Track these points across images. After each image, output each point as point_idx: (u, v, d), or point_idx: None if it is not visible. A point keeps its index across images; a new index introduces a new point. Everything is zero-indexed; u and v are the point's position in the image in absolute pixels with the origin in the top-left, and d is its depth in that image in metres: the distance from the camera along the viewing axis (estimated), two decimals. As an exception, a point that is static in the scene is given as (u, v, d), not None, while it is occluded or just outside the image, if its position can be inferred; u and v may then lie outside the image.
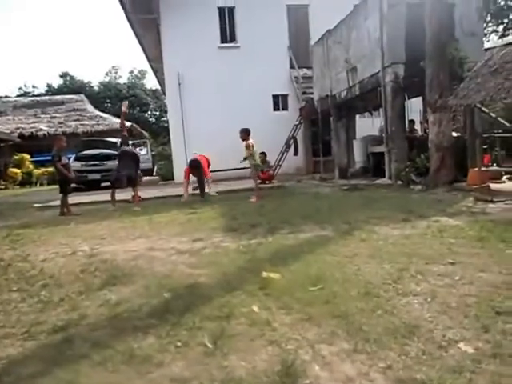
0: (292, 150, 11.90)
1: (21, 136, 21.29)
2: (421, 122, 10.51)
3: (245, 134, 7.18)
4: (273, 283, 2.41)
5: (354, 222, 4.09)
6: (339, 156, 10.53)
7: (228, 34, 13.78)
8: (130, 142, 10.77)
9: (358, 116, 11.74)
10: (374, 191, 6.92)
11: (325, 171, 11.06)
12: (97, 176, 12.45)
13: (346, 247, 3.19)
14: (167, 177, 14.33)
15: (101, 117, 23.74)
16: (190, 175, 7.68)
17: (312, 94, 12.33)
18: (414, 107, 10.48)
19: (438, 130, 6.80)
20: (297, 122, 12.15)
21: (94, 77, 65.34)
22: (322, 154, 11.59)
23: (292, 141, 11.79)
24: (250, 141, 7.19)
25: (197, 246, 3.64)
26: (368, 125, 11.64)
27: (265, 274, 2.52)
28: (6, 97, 29.83)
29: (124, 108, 7.72)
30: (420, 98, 9.92)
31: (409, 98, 9.01)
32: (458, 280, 2.34)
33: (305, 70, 13.60)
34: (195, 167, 7.50)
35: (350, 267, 2.68)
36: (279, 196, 7.27)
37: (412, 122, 9.77)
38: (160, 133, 31.40)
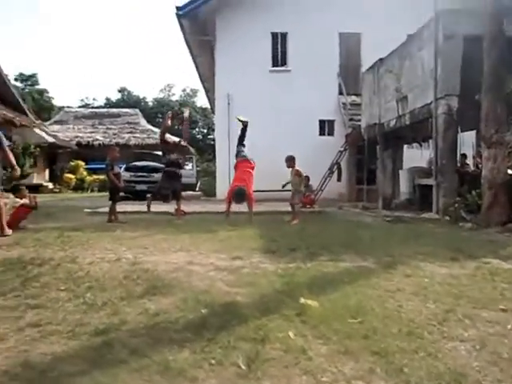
0: (335, 175, 11.80)
1: (78, 144, 22.72)
2: (473, 157, 10.10)
3: (292, 161, 7.32)
4: (310, 310, 2.37)
5: (397, 256, 3.95)
6: (384, 186, 10.28)
7: (279, 58, 14.13)
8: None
9: (405, 146, 11.48)
10: (420, 225, 6.66)
11: (368, 200, 10.83)
12: (144, 187, 12.97)
13: (388, 281, 3.08)
14: (210, 193, 14.64)
15: (152, 131, 24.86)
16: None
17: (359, 121, 12.25)
18: (467, 141, 10.10)
19: (493, 165, 6.49)
20: (342, 148, 12.07)
21: (149, 93, 68.80)
22: (366, 183, 11.38)
23: (336, 167, 11.70)
24: (298, 168, 7.35)
25: (235, 264, 3.66)
26: (416, 156, 11.33)
27: (302, 301, 2.49)
28: (69, 107, 32.08)
29: (186, 114, 8.10)
30: (473, 132, 9.57)
31: (461, 131, 8.71)
32: (510, 329, 2.18)
33: (353, 97, 13.58)
34: (240, 198, 6.72)
35: (391, 303, 2.58)
36: (320, 221, 7.19)
37: (464, 156, 9.41)
38: (206, 150, 32.31)
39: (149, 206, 7.38)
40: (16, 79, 36.55)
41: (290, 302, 2.54)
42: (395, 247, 4.41)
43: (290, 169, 7.36)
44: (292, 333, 2.09)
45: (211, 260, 3.81)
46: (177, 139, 8.97)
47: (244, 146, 7.22)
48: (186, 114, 7.99)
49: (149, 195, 7.67)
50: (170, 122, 7.85)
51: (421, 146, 11.25)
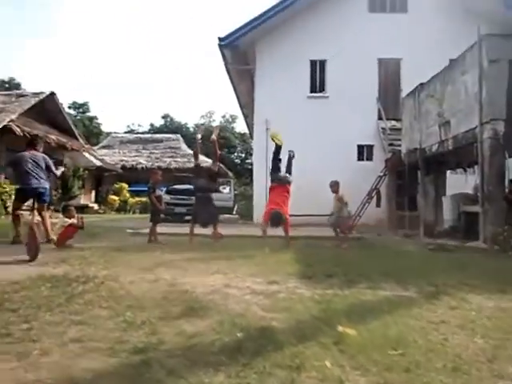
0: (374, 201, 11.53)
1: (123, 167, 23.81)
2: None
3: (337, 186, 7.39)
4: (348, 339, 2.30)
5: (441, 286, 3.76)
6: (426, 212, 9.91)
7: (317, 85, 14.28)
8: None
9: (449, 172, 11.08)
10: (466, 254, 6.32)
11: (409, 227, 10.44)
12: (183, 210, 13.29)
13: (431, 312, 2.93)
14: (247, 216, 14.73)
15: (192, 155, 25.64)
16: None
17: (399, 145, 12.02)
18: (515, 167, 9.59)
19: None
20: (381, 174, 11.83)
21: (190, 119, 71.44)
22: (408, 209, 11.02)
23: (375, 192, 11.45)
24: (342, 193, 7.38)
25: (271, 288, 3.63)
26: (460, 182, 10.88)
27: (340, 329, 2.42)
28: (116, 133, 33.92)
29: (198, 136, 7.44)
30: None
31: (509, 157, 8.31)
32: None
33: (393, 122, 13.41)
34: (276, 221, 6.53)
35: (435, 335, 2.45)
36: (358, 248, 7.01)
37: (513, 182, 8.91)
38: (243, 174, 32.78)
39: (192, 233, 7.27)
40: (70, 107, 39.43)
41: (327, 329, 2.48)
42: (439, 277, 4.21)
43: (334, 194, 7.40)
44: (329, 362, 2.03)
45: (247, 283, 3.81)
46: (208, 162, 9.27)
47: (279, 162, 6.93)
48: (198, 136, 7.46)
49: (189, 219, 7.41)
50: (199, 144, 7.51)
51: (465, 171, 10.81)
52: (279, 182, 6.75)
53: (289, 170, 7.06)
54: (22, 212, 6.81)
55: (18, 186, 6.79)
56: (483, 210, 7.38)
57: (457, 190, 9.95)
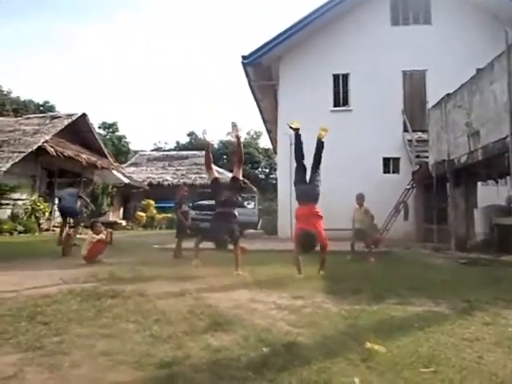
0: (401, 214, 11.27)
1: (149, 184, 24.38)
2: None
3: (363, 199, 7.40)
4: (377, 356, 2.23)
5: (474, 301, 3.60)
6: (456, 225, 9.57)
7: (341, 99, 14.26)
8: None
9: (479, 183, 10.71)
10: (500, 268, 6.05)
11: (438, 240, 10.11)
12: (208, 225, 13.38)
13: (464, 329, 2.81)
14: (271, 231, 14.69)
15: (217, 171, 25.94)
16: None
17: (426, 157, 11.75)
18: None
19: None
20: (408, 186, 11.59)
21: (216, 136, 72.59)
22: (436, 222, 10.69)
23: (402, 205, 11.20)
24: (367, 206, 7.39)
25: (297, 303, 3.59)
26: (492, 193, 10.48)
27: (368, 345, 2.36)
28: (143, 151, 34.86)
29: (237, 132, 5.86)
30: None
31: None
32: None
33: (419, 134, 13.17)
34: (309, 244, 5.08)
35: (469, 353, 2.35)
36: (386, 262, 6.84)
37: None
38: (268, 189, 32.82)
39: (197, 248, 7.01)
40: (100, 127, 40.88)
41: (355, 345, 2.43)
42: (472, 292, 4.04)
43: (357, 207, 7.36)
44: (357, 379, 1.98)
45: (273, 298, 3.78)
46: (229, 174, 8.23)
47: (304, 168, 5.71)
48: (207, 137, 6.07)
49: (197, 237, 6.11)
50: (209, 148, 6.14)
51: (497, 182, 10.43)
52: (305, 201, 5.43)
53: (317, 162, 5.75)
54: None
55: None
56: (518, 222, 7.07)
57: (488, 202, 9.59)
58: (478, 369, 2.12)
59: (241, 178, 5.88)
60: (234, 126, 5.66)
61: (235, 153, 6.06)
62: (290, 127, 5.89)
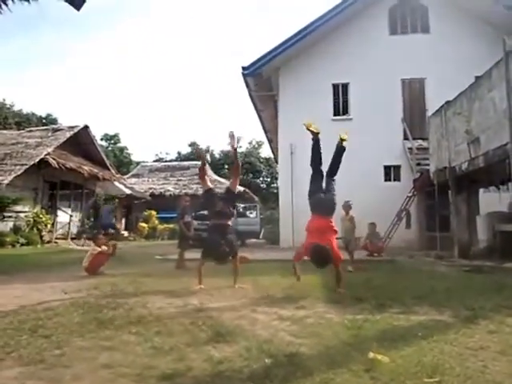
0: (404, 222, 11.25)
1: (151, 195, 24.39)
2: None
3: (350, 207, 7.33)
4: (380, 366, 2.22)
5: (478, 310, 3.58)
6: (459, 233, 9.54)
7: (341, 108, 14.34)
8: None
9: (481, 190, 10.69)
10: (504, 276, 6.00)
11: (441, 248, 10.06)
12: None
13: (468, 338, 2.79)
14: (273, 240, 14.66)
15: (219, 181, 26.01)
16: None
17: (427, 165, 11.76)
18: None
19: None
20: (410, 194, 11.59)
21: (217, 146, 72.89)
22: (439, 230, 10.66)
23: (404, 213, 11.18)
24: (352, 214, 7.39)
25: (299, 313, 3.57)
26: (494, 200, 10.48)
27: (371, 355, 2.34)
28: (144, 162, 34.98)
29: (234, 143, 5.40)
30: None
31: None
32: None
33: (419, 141, 13.21)
34: (322, 260, 4.55)
35: (473, 362, 2.32)
36: (389, 271, 6.80)
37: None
38: (269, 198, 32.81)
39: (181, 258, 7.30)
40: (101, 139, 41.17)
41: (358, 355, 2.41)
42: (475, 300, 4.01)
43: (344, 215, 7.34)
44: (361, 389, 1.96)
45: (275, 309, 3.76)
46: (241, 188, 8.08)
47: (321, 175, 5.19)
48: (203, 153, 6.19)
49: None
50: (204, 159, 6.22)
51: (498, 189, 10.42)
52: (322, 212, 4.80)
53: (334, 169, 5.24)
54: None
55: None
56: (521, 228, 7.05)
57: (490, 209, 9.58)
58: (482, 378, 2.10)
59: (237, 189, 5.51)
60: (232, 136, 5.33)
61: (233, 167, 5.79)
62: (309, 129, 5.28)
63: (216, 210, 5.17)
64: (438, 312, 3.59)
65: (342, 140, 5.37)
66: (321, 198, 4.92)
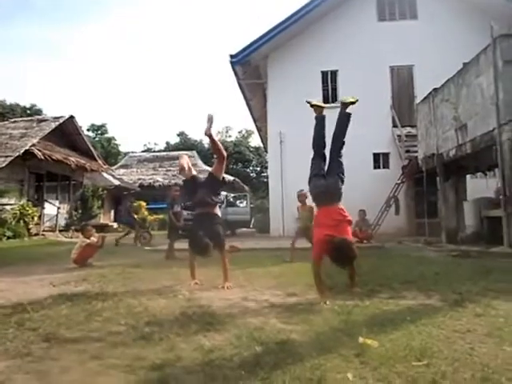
0: (393, 209, 11.35)
1: (140, 186, 24.17)
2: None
3: (305, 196, 6.90)
4: (370, 351, 2.23)
5: (465, 293, 3.63)
6: (447, 218, 9.67)
7: (330, 95, 14.30)
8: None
9: (468, 176, 10.82)
10: (490, 260, 6.12)
11: (429, 234, 10.21)
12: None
13: (456, 321, 2.83)
14: (264, 229, 14.70)
15: (209, 171, 25.87)
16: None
17: (415, 152, 11.86)
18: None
19: None
20: (399, 181, 11.67)
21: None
22: (427, 216, 10.79)
23: (393, 200, 11.28)
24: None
25: (290, 300, 3.58)
26: (481, 186, 10.62)
27: (361, 340, 2.35)
28: (133, 152, 34.59)
29: (210, 126, 4.57)
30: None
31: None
32: None
33: (408, 129, 13.28)
34: (342, 255, 3.68)
35: (461, 344, 2.36)
36: (378, 257, 6.86)
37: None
38: (260, 187, 32.81)
39: (171, 250, 7.27)
40: (88, 129, 40.50)
41: (348, 341, 2.42)
42: (463, 284, 4.07)
43: (300, 204, 7.13)
44: (351, 374, 1.97)
45: (266, 296, 3.76)
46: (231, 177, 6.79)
47: (324, 160, 4.39)
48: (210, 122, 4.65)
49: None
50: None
51: (485, 175, 10.55)
52: (325, 201, 4.06)
53: (339, 144, 4.42)
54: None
55: None
56: (506, 213, 7.16)
57: (478, 195, 9.71)
58: (470, 360, 2.12)
59: (221, 174, 4.76)
60: (210, 118, 4.57)
61: (215, 153, 4.92)
62: (313, 106, 4.38)
63: (197, 198, 4.58)
64: (426, 296, 3.63)
65: (344, 105, 4.37)
66: (319, 185, 4.14)
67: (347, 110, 4.40)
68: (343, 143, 4.41)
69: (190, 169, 4.81)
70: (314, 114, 4.38)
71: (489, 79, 7.58)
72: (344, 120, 4.42)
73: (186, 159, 4.84)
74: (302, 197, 7.07)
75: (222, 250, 4.48)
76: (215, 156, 4.85)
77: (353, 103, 4.37)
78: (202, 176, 5.02)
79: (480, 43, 8.01)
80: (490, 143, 7.59)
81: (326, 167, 4.32)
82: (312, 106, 4.39)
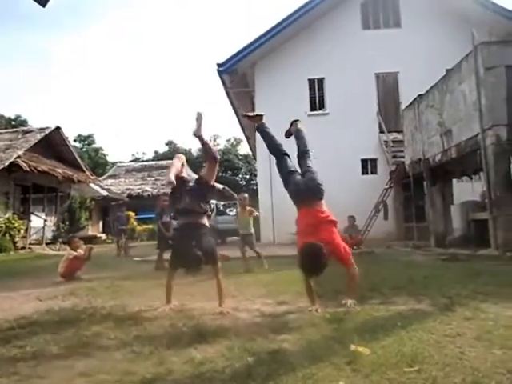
0: (382, 214, 11.45)
1: (129, 196, 23.97)
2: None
3: (246, 200, 6.97)
4: (362, 358, 2.23)
5: (455, 297, 3.67)
6: (435, 222, 9.79)
7: (317, 103, 14.44)
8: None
9: (455, 180, 11.00)
10: (478, 263, 6.20)
11: (418, 238, 10.31)
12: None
13: (446, 325, 2.85)
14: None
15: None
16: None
17: (403, 157, 12.01)
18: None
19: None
20: (387, 186, 11.80)
21: (194, 144, 72.37)
22: (415, 220, 10.90)
23: (382, 205, 11.38)
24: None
25: (281, 309, 3.57)
26: (467, 189, 10.80)
27: (353, 348, 2.35)
28: (121, 162, 34.33)
29: (199, 126, 4.15)
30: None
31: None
32: None
33: (394, 134, 13.46)
34: (315, 266, 3.32)
35: (451, 349, 2.37)
36: (368, 262, 6.88)
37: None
38: (249, 195, 32.79)
39: (160, 261, 7.13)
40: (75, 140, 40.18)
41: (340, 349, 2.42)
42: (452, 287, 4.11)
43: (240, 209, 6.98)
44: (342, 383, 1.96)
45: (256, 306, 3.75)
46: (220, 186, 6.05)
47: (287, 159, 4.14)
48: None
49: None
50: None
51: (471, 178, 10.74)
52: (305, 199, 3.69)
53: (303, 149, 4.25)
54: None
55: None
56: (492, 216, 7.28)
57: (464, 198, 9.87)
58: (460, 365, 2.13)
59: (212, 179, 4.11)
60: (199, 117, 4.13)
61: (206, 156, 4.25)
62: (249, 117, 4.40)
63: (181, 206, 3.92)
64: (416, 301, 3.65)
65: (292, 125, 4.45)
66: (298, 182, 3.77)
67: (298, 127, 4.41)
68: (307, 148, 4.26)
69: (180, 170, 4.15)
70: (302, 126, 4.34)
71: (471, 85, 7.74)
72: (298, 135, 4.40)
73: (178, 162, 4.17)
74: (243, 200, 6.88)
75: (216, 266, 3.79)
76: (207, 160, 4.21)
77: (259, 116, 4.35)
78: (191, 180, 4.25)
79: (462, 50, 8.20)
80: (475, 148, 7.74)
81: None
82: (251, 117, 4.36)
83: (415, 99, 10.56)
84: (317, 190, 3.72)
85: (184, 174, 4.23)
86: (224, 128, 45.57)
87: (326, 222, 3.54)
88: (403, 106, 12.24)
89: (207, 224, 4.01)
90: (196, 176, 5.31)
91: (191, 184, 4.08)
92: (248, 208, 6.92)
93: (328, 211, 3.64)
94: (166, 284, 3.92)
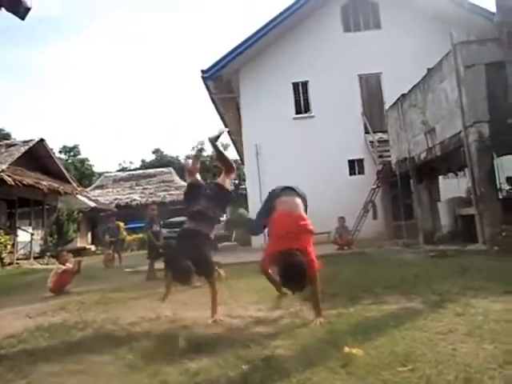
0: (371, 214, 11.55)
1: (117, 206, 23.73)
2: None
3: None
4: (356, 360, 2.24)
5: (445, 294, 3.72)
6: (423, 220, 9.91)
7: (302, 106, 14.55)
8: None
9: (441, 177, 11.16)
10: (467, 258, 6.29)
11: (407, 236, 10.42)
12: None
13: (437, 322, 2.88)
14: (245, 242, 14.65)
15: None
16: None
17: (389, 157, 12.15)
18: (509, 164, 9.73)
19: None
20: (374, 186, 11.91)
21: (181, 150, 72.12)
22: (404, 218, 11.02)
23: (370, 205, 11.48)
24: None
25: (274, 315, 3.57)
26: (453, 186, 10.98)
27: (346, 350, 2.36)
28: (108, 172, 34.00)
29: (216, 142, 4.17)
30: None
31: (498, 156, 8.42)
32: None
33: (380, 134, 13.61)
34: (298, 281, 3.07)
35: (443, 346, 2.40)
36: (359, 263, 6.95)
37: (510, 179, 9.03)
38: (238, 199, 32.70)
39: (152, 271, 6.95)
40: (60, 151, 39.66)
41: (334, 351, 2.42)
42: (442, 284, 4.17)
43: None
44: (338, 386, 1.97)
45: (250, 312, 3.74)
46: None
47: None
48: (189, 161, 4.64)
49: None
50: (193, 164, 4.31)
51: (456, 175, 10.92)
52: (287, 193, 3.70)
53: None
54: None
55: None
56: (478, 211, 7.40)
57: (451, 195, 10.02)
58: (452, 361, 2.16)
59: (229, 188, 4.11)
60: (221, 132, 4.26)
61: (221, 163, 4.20)
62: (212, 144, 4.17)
63: (194, 209, 3.76)
64: (407, 299, 3.69)
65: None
66: (280, 192, 3.70)
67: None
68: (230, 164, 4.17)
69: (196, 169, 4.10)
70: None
71: (452, 84, 7.89)
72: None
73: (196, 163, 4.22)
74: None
75: (211, 279, 3.62)
76: (224, 169, 4.11)
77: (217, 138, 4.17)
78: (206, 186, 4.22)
79: (442, 50, 8.34)
80: (458, 145, 7.87)
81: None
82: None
83: (398, 99, 10.71)
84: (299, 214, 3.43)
85: (197, 177, 4.16)
86: (210, 133, 45.37)
87: (304, 231, 3.33)
88: (387, 106, 12.40)
89: (211, 235, 3.82)
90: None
91: (208, 189, 4.04)
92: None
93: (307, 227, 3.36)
94: (166, 286, 4.22)
